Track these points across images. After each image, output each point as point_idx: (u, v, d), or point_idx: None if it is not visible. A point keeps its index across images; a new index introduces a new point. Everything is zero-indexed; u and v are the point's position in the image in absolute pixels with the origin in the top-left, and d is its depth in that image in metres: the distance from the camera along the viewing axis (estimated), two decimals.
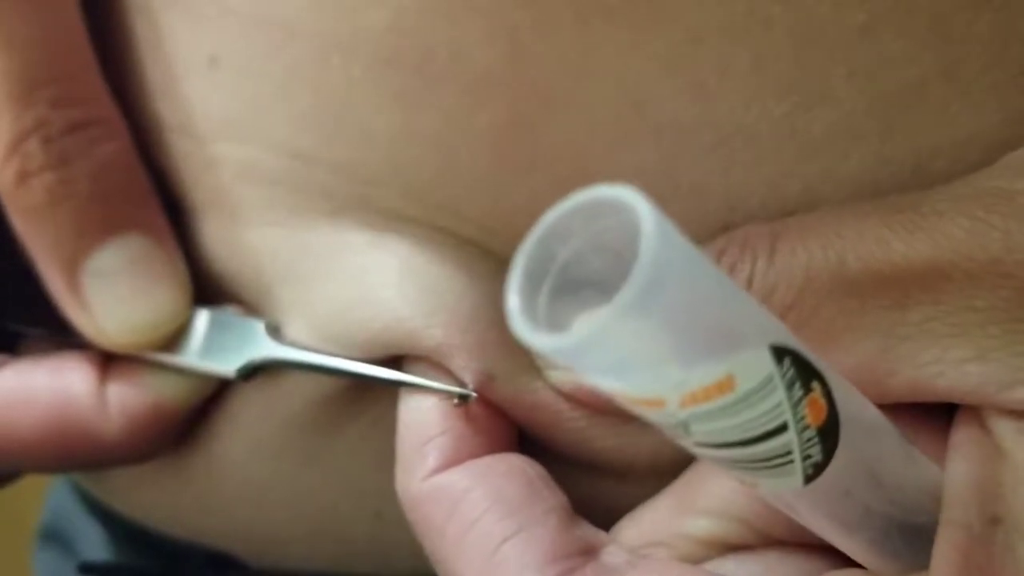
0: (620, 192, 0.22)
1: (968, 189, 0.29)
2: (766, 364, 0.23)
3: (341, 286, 0.32)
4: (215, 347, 0.34)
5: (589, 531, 0.31)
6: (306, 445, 0.35)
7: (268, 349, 0.33)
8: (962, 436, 0.29)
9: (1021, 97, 0.30)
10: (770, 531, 0.31)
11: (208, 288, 0.35)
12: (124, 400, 0.34)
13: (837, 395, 0.25)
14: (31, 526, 0.48)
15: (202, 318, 0.34)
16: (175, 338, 0.34)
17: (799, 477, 0.25)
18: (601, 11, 0.29)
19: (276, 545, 0.37)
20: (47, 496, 0.48)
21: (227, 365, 0.33)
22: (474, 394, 0.31)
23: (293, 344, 0.33)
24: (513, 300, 0.22)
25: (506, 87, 0.29)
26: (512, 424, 0.32)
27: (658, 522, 0.31)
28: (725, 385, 0.23)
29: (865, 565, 0.29)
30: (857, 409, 0.26)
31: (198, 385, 0.34)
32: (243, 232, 0.34)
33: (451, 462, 0.31)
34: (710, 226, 0.30)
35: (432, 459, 0.31)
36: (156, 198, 0.34)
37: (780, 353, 0.23)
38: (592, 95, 0.29)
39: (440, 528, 0.30)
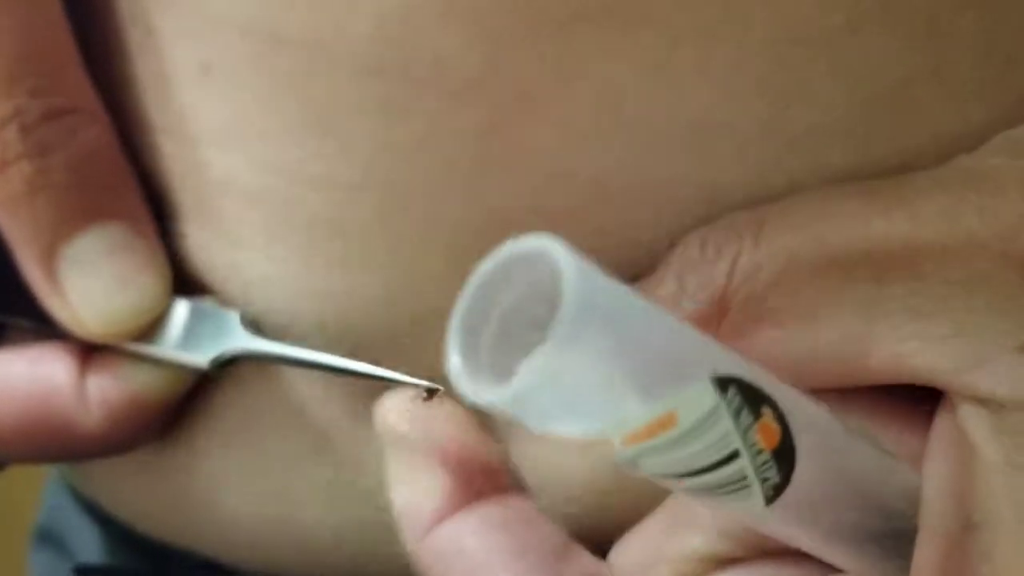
0: (537, 241, 0.22)
1: (947, 169, 0.29)
2: (709, 397, 0.23)
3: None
4: (192, 338, 0.33)
5: (587, 561, 0.31)
6: (290, 447, 0.35)
7: (242, 341, 0.33)
8: (939, 435, 0.29)
9: (1006, 94, 0.30)
10: (763, 544, 0.30)
11: (191, 292, 0.35)
12: (103, 392, 0.34)
13: (792, 416, 0.25)
14: (29, 527, 0.48)
15: (181, 309, 0.34)
16: (153, 328, 0.34)
17: (760, 499, 0.25)
18: (581, 16, 0.29)
19: (257, 551, 0.37)
20: (43, 497, 0.48)
21: (202, 356, 0.33)
22: (441, 388, 0.31)
23: (268, 336, 0.33)
24: (455, 359, 0.22)
25: (487, 91, 0.30)
26: (490, 459, 0.33)
27: (653, 542, 0.31)
28: (667, 422, 0.23)
29: (847, 571, 0.29)
30: (819, 425, 0.26)
31: (178, 377, 0.34)
32: (224, 244, 0.34)
33: (441, 517, 0.31)
34: (691, 217, 0.30)
35: (422, 519, 0.31)
36: (138, 188, 0.34)
37: (724, 383, 0.24)
38: (571, 97, 0.30)
39: None
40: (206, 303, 0.34)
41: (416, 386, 0.31)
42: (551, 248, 0.22)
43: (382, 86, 0.30)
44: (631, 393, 0.22)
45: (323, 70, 0.30)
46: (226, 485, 0.36)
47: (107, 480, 0.40)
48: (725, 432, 0.24)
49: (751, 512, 0.26)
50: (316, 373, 0.33)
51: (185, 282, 0.35)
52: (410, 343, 0.33)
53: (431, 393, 0.31)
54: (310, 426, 0.35)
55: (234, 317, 0.33)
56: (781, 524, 0.27)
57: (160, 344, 0.34)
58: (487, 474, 0.32)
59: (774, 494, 0.25)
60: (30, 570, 0.48)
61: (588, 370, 0.22)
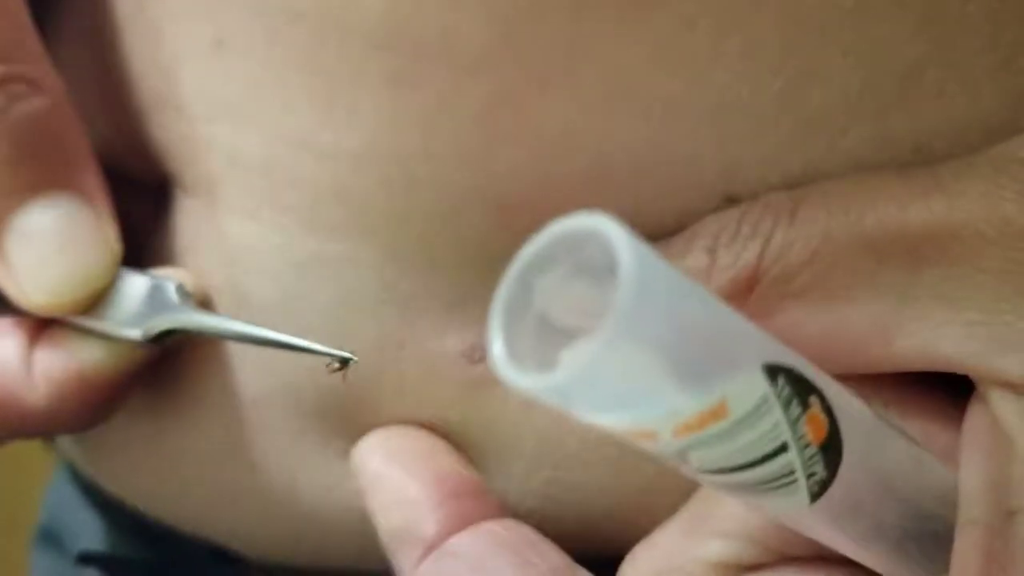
0: (595, 221, 0.21)
1: (983, 158, 0.29)
2: (760, 385, 0.23)
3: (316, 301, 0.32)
4: (138, 312, 0.33)
5: None
6: (292, 421, 0.34)
7: (177, 313, 0.33)
8: (972, 428, 0.28)
9: (1017, 80, 0.30)
10: (785, 549, 0.30)
11: (190, 265, 0.35)
12: (49, 367, 0.33)
13: (838, 409, 0.24)
14: (30, 526, 0.47)
15: (133, 283, 0.33)
16: (102, 302, 0.33)
17: (805, 496, 0.25)
18: None
19: (259, 532, 0.36)
20: (45, 497, 0.48)
21: (137, 330, 0.33)
22: (355, 359, 0.31)
23: (201, 308, 0.33)
24: (498, 345, 0.21)
25: (497, 67, 0.30)
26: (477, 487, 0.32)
27: (672, 547, 0.31)
28: (719, 412, 0.22)
29: (882, 574, 0.28)
30: (861, 420, 0.26)
31: (123, 352, 0.33)
32: (227, 216, 0.33)
33: (436, 542, 0.31)
34: (705, 195, 0.30)
35: (415, 548, 0.31)
36: (92, 160, 0.34)
37: (774, 372, 0.23)
38: (581, 76, 0.29)
39: None
40: (154, 276, 0.33)
41: (331, 356, 0.31)
42: (605, 228, 0.21)
43: (392, 59, 0.30)
44: (682, 383, 0.22)
45: (334, 43, 0.30)
46: (228, 463, 0.36)
47: (111, 462, 0.39)
48: (775, 423, 0.23)
49: (794, 510, 0.25)
50: None
51: (185, 255, 0.35)
52: (399, 321, 0.32)
53: (344, 363, 0.31)
54: (310, 398, 0.34)
55: (170, 289, 0.33)
56: (822, 523, 0.26)
57: (105, 319, 0.33)
58: (477, 500, 0.32)
59: (819, 490, 0.25)
60: (31, 570, 0.47)
61: (641, 359, 0.21)
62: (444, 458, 0.32)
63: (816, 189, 0.29)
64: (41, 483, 0.49)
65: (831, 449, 0.24)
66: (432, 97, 0.30)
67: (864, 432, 0.26)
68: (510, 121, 0.30)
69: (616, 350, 0.20)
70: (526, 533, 0.31)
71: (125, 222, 0.35)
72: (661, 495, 0.32)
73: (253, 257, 0.33)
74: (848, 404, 0.25)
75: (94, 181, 0.33)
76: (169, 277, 0.33)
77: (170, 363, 0.35)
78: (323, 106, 0.31)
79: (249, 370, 0.34)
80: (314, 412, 0.34)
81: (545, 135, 0.30)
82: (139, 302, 0.33)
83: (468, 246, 0.31)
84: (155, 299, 0.33)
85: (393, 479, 0.32)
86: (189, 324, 0.33)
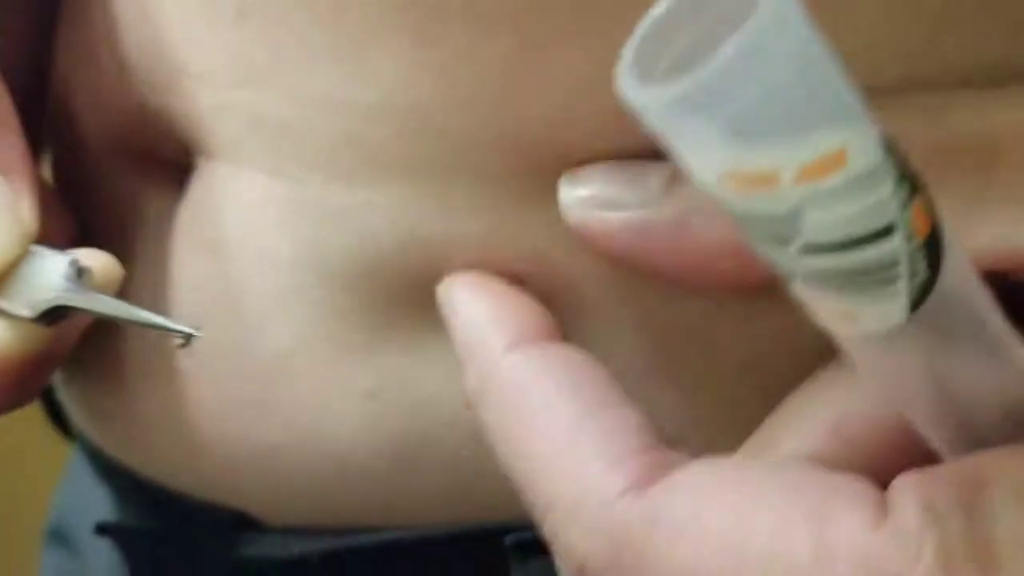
0: None
1: None
2: (876, 151, 0.23)
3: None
4: (35, 290, 0.33)
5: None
6: (325, 354, 0.35)
7: (59, 291, 0.33)
8: None
9: None
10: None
11: (182, 246, 0.36)
12: None
13: (944, 220, 0.25)
14: (31, 526, 0.47)
15: (39, 261, 0.33)
16: (7, 281, 0.33)
17: (904, 302, 0.25)
18: None
19: (287, 498, 0.36)
20: (54, 497, 0.47)
21: (29, 309, 0.33)
22: (200, 334, 0.32)
23: (86, 287, 0.33)
24: (627, 54, 0.23)
25: (514, 25, 0.31)
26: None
27: None
28: (839, 158, 0.23)
29: (949, 452, 0.29)
30: (961, 255, 0.26)
31: (33, 333, 0.33)
32: (243, 181, 0.34)
33: (518, 342, 0.31)
34: None
35: (497, 340, 0.31)
36: (15, 135, 0.34)
37: (890, 146, 0.24)
38: (596, 32, 0.31)
39: (510, 413, 0.30)
40: (70, 255, 0.34)
41: (176, 331, 0.32)
42: None
43: (413, 17, 0.32)
44: (809, 117, 0.22)
45: (356, 6, 0.32)
46: (249, 419, 0.36)
47: (127, 431, 0.39)
48: (886, 197, 0.24)
49: (891, 321, 0.25)
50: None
51: (205, 219, 0.36)
52: (422, 263, 0.33)
53: (188, 339, 0.32)
54: (336, 346, 0.34)
55: (63, 267, 0.33)
56: (912, 354, 0.26)
57: (12, 297, 0.33)
58: (548, 328, 0.32)
59: (919, 296, 0.25)
60: (41, 569, 0.47)
61: (772, 78, 0.22)
62: (521, 295, 0.33)
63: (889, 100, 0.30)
64: (41, 483, 0.49)
65: (934, 247, 0.25)
66: (450, 52, 0.31)
67: (963, 271, 0.26)
68: (525, 75, 0.31)
69: (749, 59, 0.21)
70: (588, 360, 0.31)
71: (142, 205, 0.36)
72: (705, 425, 0.33)
73: (272, 212, 0.34)
74: (952, 231, 0.26)
75: (13, 155, 0.34)
76: (73, 254, 0.34)
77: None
78: (344, 62, 0.32)
79: (270, 321, 0.35)
80: (342, 360, 0.34)
81: (559, 88, 0.31)
82: (37, 280, 0.33)
83: (483, 191, 0.32)
84: (50, 277, 0.33)
85: (474, 299, 0.32)
86: (68, 302, 0.33)
